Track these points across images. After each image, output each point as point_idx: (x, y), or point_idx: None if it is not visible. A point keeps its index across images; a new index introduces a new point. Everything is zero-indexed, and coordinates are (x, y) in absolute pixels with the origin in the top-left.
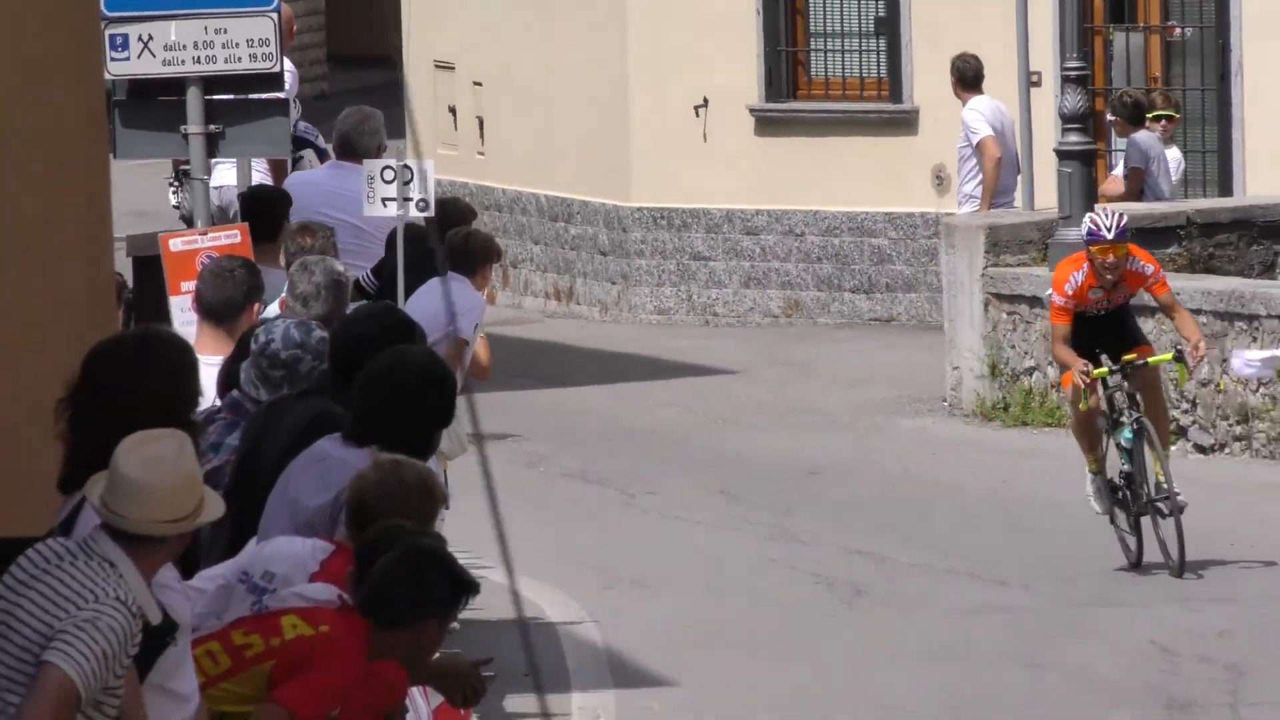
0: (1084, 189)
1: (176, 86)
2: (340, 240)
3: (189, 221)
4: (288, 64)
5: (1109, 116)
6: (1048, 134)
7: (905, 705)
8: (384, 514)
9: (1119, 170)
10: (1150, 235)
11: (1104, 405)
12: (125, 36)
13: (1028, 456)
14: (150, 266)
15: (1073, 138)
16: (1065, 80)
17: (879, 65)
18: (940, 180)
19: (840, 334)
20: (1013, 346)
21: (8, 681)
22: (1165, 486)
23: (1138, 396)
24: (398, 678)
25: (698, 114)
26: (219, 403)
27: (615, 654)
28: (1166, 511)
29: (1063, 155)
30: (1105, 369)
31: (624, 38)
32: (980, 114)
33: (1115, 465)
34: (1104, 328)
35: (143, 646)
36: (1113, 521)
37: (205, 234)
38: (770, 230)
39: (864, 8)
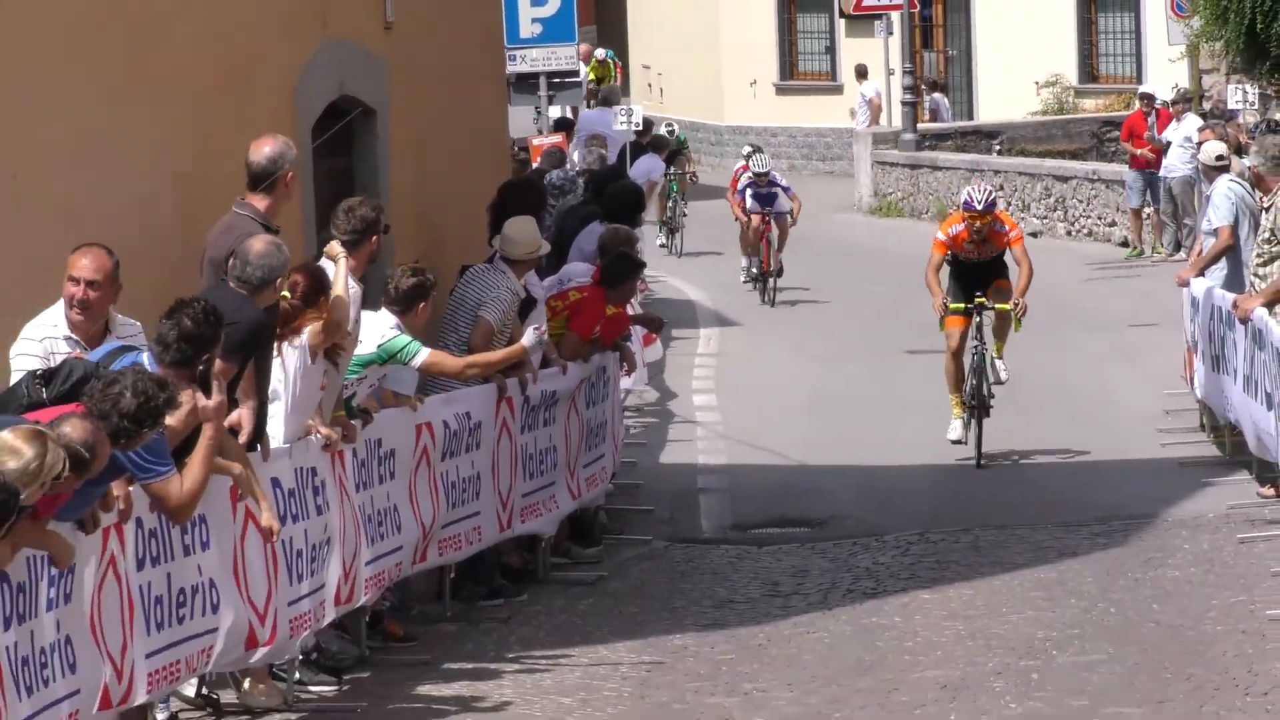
0: (912, 119)
1: (534, 77)
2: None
3: (541, 132)
4: (582, 67)
5: (922, 87)
6: (897, 94)
7: (838, 335)
8: (613, 249)
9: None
10: (939, 138)
11: (972, 331)
12: (515, 55)
13: (892, 231)
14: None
15: (907, 97)
16: (905, 73)
17: (829, 66)
18: (853, 114)
19: (812, 179)
20: (884, 182)
21: (454, 326)
22: (993, 361)
23: (981, 329)
24: (624, 315)
25: (751, 86)
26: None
27: (720, 313)
28: (991, 387)
29: (904, 104)
30: (961, 304)
31: (719, 54)
32: (873, 88)
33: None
34: (978, 274)
35: (521, 307)
36: (963, 414)
37: (547, 137)
38: (784, 135)
39: (819, 43)
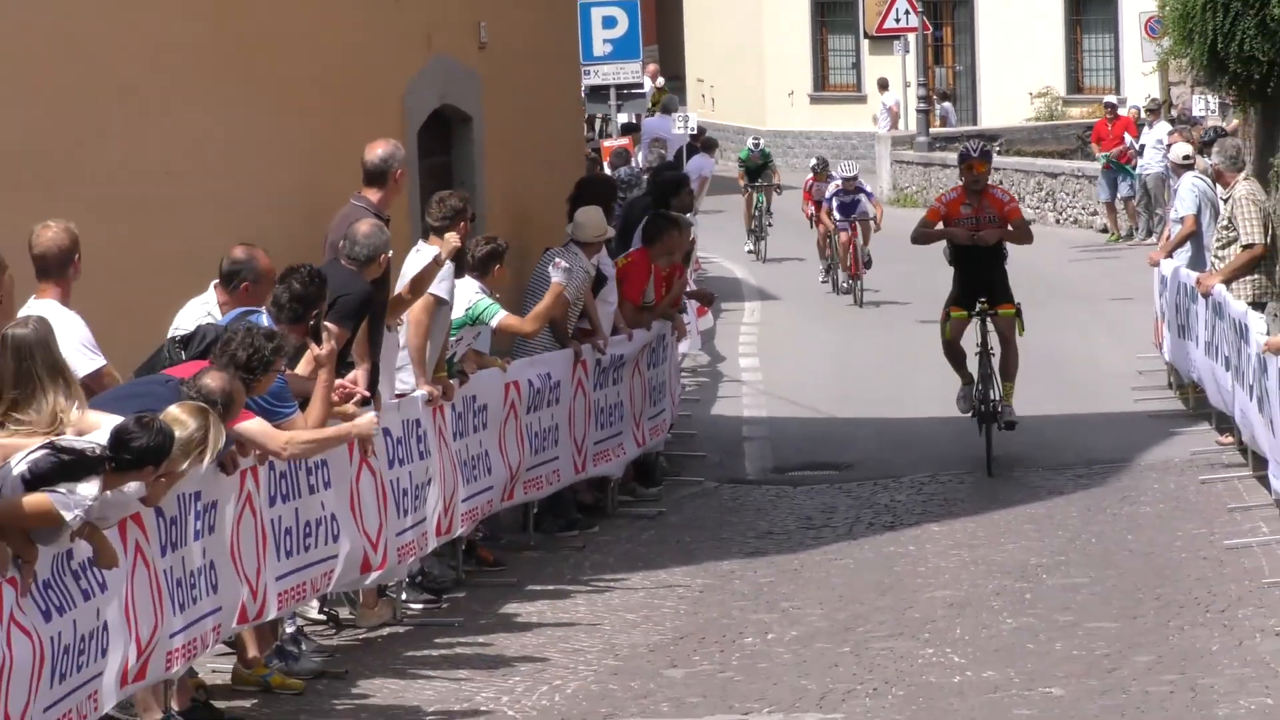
0: (925, 124)
1: (605, 88)
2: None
3: (608, 137)
4: (646, 81)
5: (934, 97)
6: (913, 104)
7: (861, 308)
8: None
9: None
10: (948, 141)
11: (977, 336)
12: (589, 70)
13: (908, 220)
14: (596, 152)
15: (921, 105)
16: (919, 85)
17: (855, 79)
18: (875, 121)
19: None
20: (901, 178)
21: (536, 298)
22: (1003, 404)
23: (991, 336)
24: (677, 269)
25: (789, 97)
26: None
27: (761, 289)
28: (1000, 426)
29: (918, 112)
30: (964, 312)
31: (762, 69)
32: (892, 98)
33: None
34: (983, 278)
35: (594, 284)
36: (973, 417)
37: (613, 140)
38: (816, 139)
39: (847, 59)
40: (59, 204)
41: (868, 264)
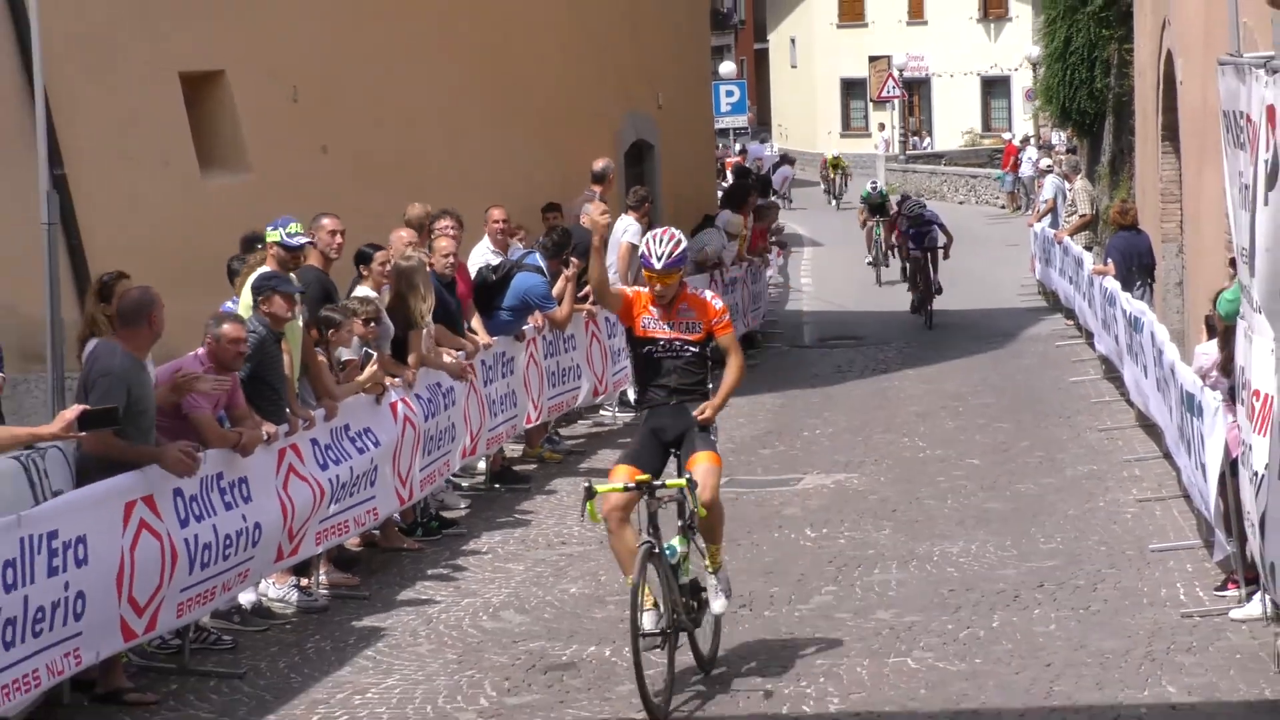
0: (904, 148)
1: (727, 130)
2: (762, 161)
3: (728, 155)
4: (748, 125)
5: (909, 134)
6: (898, 137)
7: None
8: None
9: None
10: (917, 158)
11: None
12: (718, 120)
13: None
14: (721, 165)
15: (901, 138)
16: (901, 127)
17: (865, 123)
18: (876, 147)
19: (855, 180)
20: (890, 179)
21: (691, 245)
22: (709, 582)
23: (657, 517)
24: (758, 232)
25: (829, 134)
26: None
27: (814, 239)
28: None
29: (900, 141)
30: (620, 485)
31: (815, 118)
32: (886, 135)
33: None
34: (672, 431)
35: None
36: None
37: (731, 158)
38: (844, 158)
39: (861, 112)
40: (408, 195)
41: (938, 290)
